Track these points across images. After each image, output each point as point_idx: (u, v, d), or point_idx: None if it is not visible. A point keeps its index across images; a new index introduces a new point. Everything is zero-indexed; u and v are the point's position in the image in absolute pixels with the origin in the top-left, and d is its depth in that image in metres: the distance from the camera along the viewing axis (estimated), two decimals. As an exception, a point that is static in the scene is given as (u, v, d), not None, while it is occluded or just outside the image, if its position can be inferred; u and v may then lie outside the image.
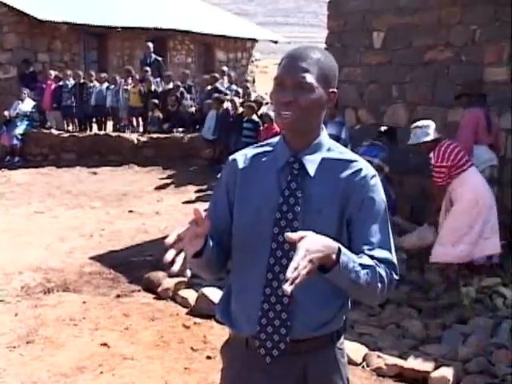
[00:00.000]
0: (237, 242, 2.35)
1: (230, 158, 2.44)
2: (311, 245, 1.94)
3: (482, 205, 6.53)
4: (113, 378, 4.96)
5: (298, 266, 1.89)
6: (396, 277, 2.24)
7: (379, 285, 2.16)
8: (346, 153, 2.34)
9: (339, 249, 2.03)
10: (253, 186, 2.32)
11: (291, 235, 1.96)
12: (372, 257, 2.19)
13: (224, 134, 13.13)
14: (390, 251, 2.25)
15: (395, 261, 2.26)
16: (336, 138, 7.01)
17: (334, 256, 2.01)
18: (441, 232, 6.69)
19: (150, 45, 17.66)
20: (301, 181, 2.26)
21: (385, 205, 2.29)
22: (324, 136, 2.33)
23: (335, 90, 2.28)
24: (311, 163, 2.27)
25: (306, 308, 2.24)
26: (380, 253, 2.21)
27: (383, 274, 2.17)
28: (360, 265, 2.10)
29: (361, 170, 2.27)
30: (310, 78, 2.18)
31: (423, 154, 6.85)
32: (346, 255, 2.05)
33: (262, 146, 2.43)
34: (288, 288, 1.85)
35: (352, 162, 2.29)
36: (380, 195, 2.28)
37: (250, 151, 2.41)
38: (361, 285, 2.11)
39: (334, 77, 2.28)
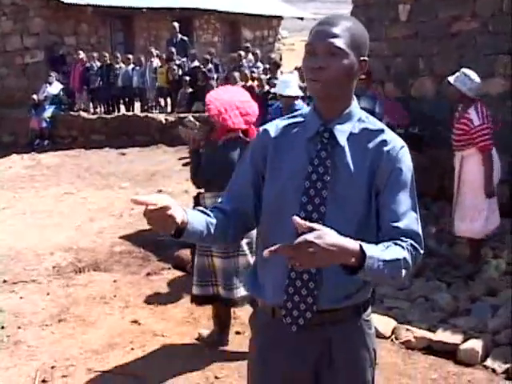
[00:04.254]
0: (266, 210, 2.34)
1: (261, 128, 2.41)
2: (319, 239, 1.87)
3: (495, 177, 6.30)
4: (143, 354, 5.02)
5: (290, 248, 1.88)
6: (421, 250, 2.18)
7: (403, 271, 2.10)
8: (375, 123, 2.30)
9: (362, 251, 1.94)
10: (284, 155, 2.30)
11: (299, 221, 1.91)
12: (397, 228, 2.15)
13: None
14: (416, 222, 2.22)
15: (420, 232, 2.22)
16: (371, 112, 6.95)
17: (353, 259, 1.94)
18: (460, 206, 6.43)
19: (176, 25, 17.61)
20: (331, 150, 2.23)
21: (412, 176, 2.25)
22: (355, 106, 2.30)
23: (366, 58, 2.24)
24: (341, 133, 2.24)
25: (333, 278, 2.19)
26: (405, 224, 2.17)
27: (408, 257, 2.10)
28: (384, 261, 2.00)
29: (389, 140, 2.24)
30: (341, 44, 2.13)
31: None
32: (372, 258, 1.96)
33: (292, 116, 2.40)
34: (266, 252, 1.90)
35: (381, 132, 2.26)
36: (407, 166, 2.24)
37: (280, 122, 2.38)
38: (385, 279, 2.07)
39: (364, 45, 2.24)
